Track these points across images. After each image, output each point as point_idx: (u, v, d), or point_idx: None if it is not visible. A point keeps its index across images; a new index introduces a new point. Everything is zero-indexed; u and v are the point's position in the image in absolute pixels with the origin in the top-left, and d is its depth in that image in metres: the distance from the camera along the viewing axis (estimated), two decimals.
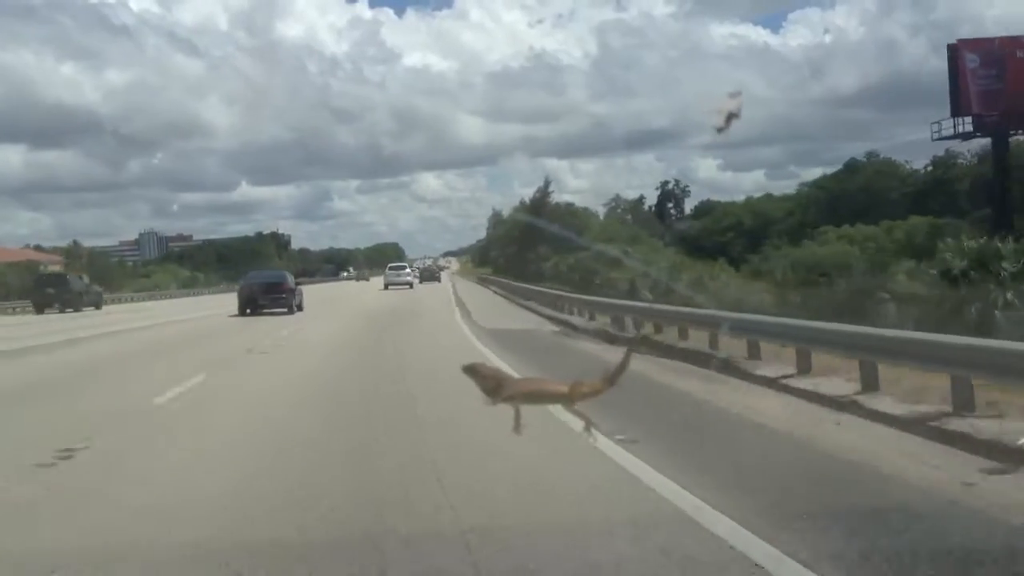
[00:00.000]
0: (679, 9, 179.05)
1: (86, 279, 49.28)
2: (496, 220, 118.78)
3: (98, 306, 45.23)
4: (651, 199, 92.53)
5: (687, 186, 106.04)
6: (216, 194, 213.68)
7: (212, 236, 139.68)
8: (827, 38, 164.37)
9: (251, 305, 29.87)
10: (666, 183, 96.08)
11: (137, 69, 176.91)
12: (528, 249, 60.85)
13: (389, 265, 67.35)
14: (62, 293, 43.38)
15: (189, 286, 79.79)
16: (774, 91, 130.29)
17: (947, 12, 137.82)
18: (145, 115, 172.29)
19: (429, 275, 70.26)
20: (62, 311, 41.45)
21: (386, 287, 54.83)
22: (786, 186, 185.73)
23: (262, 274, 34.60)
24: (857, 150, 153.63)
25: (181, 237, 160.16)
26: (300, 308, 30.65)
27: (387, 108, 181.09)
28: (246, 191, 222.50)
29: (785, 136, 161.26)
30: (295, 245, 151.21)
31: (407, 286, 54.40)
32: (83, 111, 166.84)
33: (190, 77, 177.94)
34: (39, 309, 42.22)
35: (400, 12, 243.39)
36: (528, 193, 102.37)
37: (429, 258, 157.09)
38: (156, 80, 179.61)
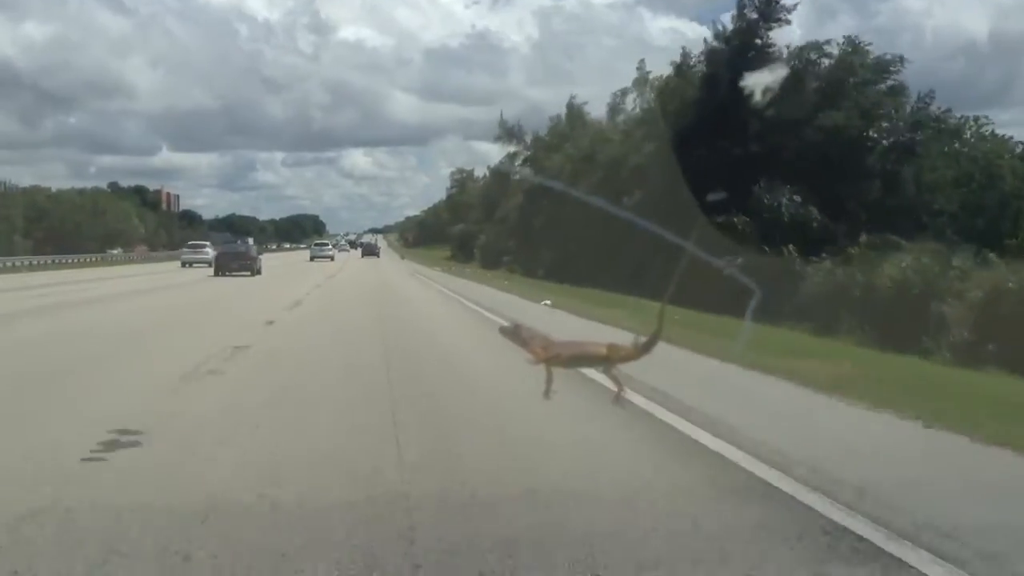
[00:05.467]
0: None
1: None
2: (465, 177, 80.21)
3: None
4: None
5: None
6: (136, 158, 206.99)
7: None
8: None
9: (223, 269, 35.69)
10: None
11: (58, 23, 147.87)
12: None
13: (315, 242, 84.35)
14: None
15: None
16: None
17: (887, 19, 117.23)
18: (65, 71, 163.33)
19: (369, 250, 74.96)
20: None
21: (312, 259, 60.28)
22: None
23: (232, 246, 42.30)
24: None
25: (37, 189, 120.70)
26: (260, 272, 36.19)
27: (318, 80, 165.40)
28: (167, 157, 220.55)
29: None
30: (207, 213, 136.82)
31: (329, 259, 61.14)
32: None
33: (114, 34, 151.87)
34: None
35: None
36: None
37: (353, 233, 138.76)
38: (78, 35, 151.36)
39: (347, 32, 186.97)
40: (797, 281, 19.43)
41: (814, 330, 16.81)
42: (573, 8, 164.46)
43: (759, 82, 22.33)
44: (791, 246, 19.69)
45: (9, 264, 49.61)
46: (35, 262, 56.30)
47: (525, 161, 46.71)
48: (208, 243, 51.33)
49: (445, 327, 14.42)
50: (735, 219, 21.31)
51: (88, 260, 62.51)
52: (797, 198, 21.13)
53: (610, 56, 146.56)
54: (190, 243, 55.33)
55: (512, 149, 48.11)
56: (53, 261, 58.85)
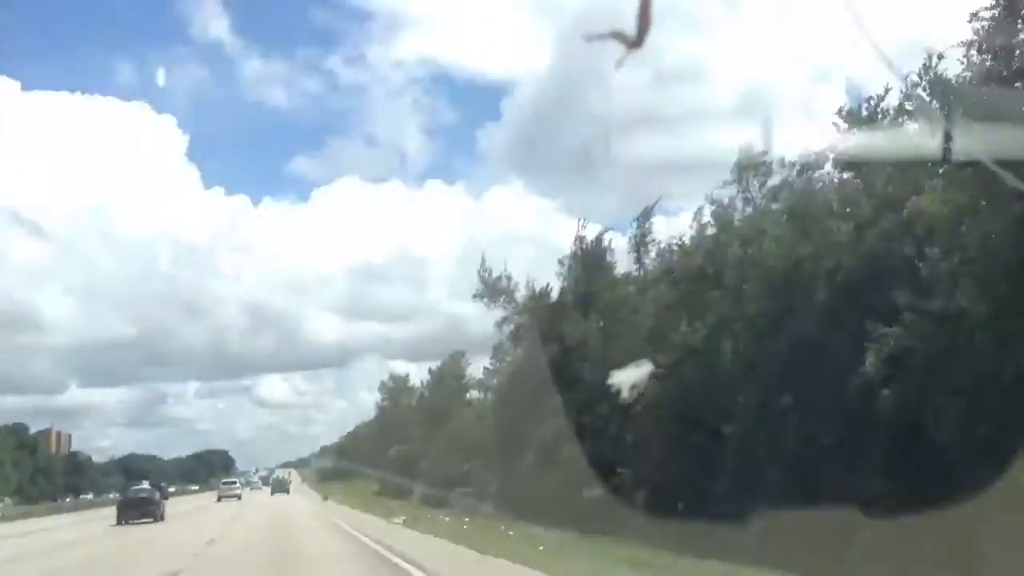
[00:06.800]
0: (535, 209, 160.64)
1: None
2: (398, 388, 66.13)
3: None
4: None
5: None
6: (41, 397, 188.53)
7: None
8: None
9: (127, 516, 36.10)
10: None
11: None
12: None
13: (223, 480, 77.40)
14: None
15: None
16: None
17: None
18: None
19: (280, 487, 72.86)
20: None
21: (219, 499, 58.87)
22: None
23: (136, 491, 40.81)
24: None
25: None
26: (163, 518, 36.68)
27: (236, 303, 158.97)
28: (75, 395, 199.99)
29: None
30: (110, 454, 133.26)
31: (236, 497, 60.11)
32: None
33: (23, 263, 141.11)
34: None
35: (256, 202, 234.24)
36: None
37: (265, 469, 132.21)
38: None
39: (266, 251, 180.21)
40: None
41: None
42: (499, 222, 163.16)
43: None
44: None
45: None
46: None
47: (517, 332, 35.00)
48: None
49: None
50: None
51: None
52: None
53: (530, 264, 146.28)
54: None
55: (500, 314, 34.07)
56: None
